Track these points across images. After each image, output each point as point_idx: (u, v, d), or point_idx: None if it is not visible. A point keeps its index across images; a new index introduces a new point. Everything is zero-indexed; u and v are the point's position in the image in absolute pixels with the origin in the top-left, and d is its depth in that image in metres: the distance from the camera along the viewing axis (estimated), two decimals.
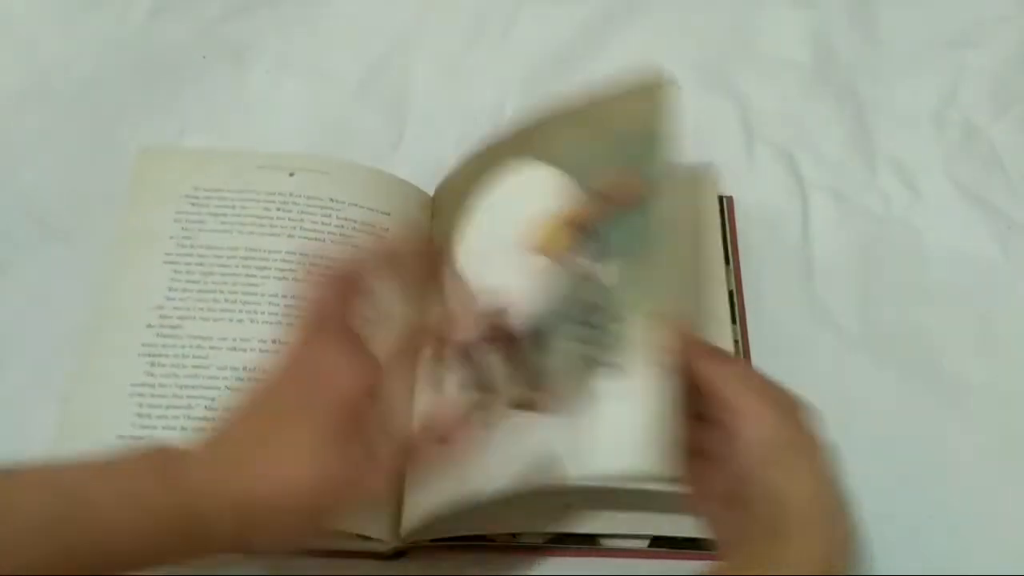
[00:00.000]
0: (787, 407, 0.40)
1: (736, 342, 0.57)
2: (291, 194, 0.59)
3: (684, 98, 0.70)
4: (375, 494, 0.43)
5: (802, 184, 0.66)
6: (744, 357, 0.57)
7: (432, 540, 0.50)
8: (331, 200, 0.59)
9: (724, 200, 0.63)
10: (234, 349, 0.54)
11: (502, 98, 0.71)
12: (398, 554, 0.51)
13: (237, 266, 0.56)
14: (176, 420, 0.52)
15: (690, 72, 0.72)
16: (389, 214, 0.60)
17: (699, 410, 0.41)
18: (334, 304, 0.41)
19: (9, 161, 0.67)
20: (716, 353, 0.43)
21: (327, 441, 0.37)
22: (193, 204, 0.58)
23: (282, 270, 0.56)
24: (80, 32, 0.75)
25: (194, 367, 0.53)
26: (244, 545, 0.38)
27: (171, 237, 0.57)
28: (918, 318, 0.59)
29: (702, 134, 0.68)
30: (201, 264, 0.56)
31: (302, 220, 0.58)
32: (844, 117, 0.69)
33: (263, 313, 0.55)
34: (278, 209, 0.59)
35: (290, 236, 0.58)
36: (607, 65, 0.72)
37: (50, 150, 0.68)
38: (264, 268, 0.56)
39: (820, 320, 0.60)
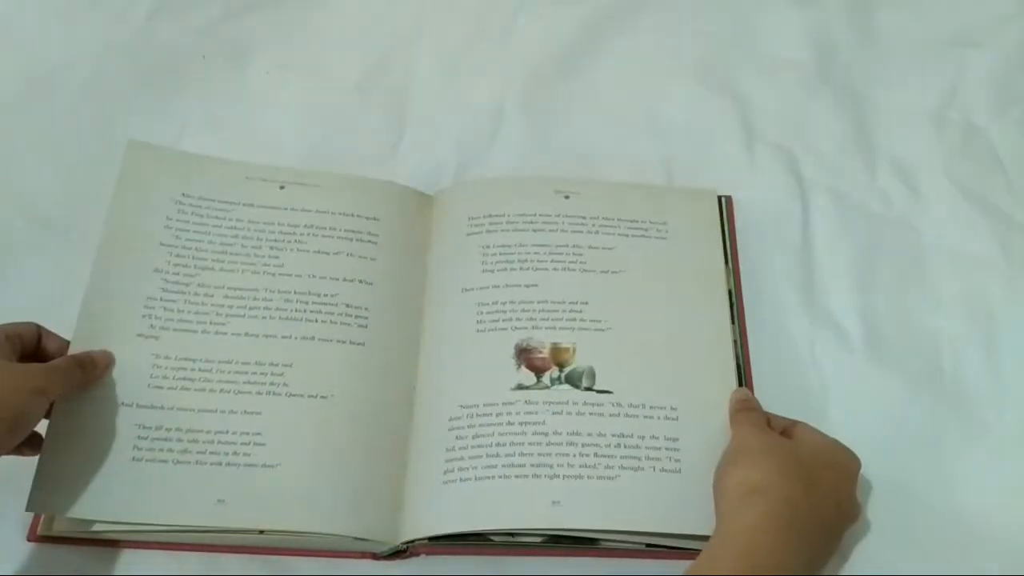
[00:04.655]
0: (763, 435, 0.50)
1: (735, 342, 0.57)
2: (280, 207, 0.60)
3: (684, 98, 0.71)
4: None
5: (802, 184, 0.66)
6: (744, 357, 0.57)
7: (431, 540, 0.50)
8: (319, 212, 0.60)
9: (724, 200, 0.63)
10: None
11: (502, 98, 0.71)
12: (397, 554, 0.51)
13: (224, 273, 0.57)
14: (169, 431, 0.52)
15: (690, 72, 0.72)
16: (378, 220, 0.60)
17: None
18: None
19: (9, 161, 0.68)
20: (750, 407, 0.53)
21: None
22: (180, 211, 0.59)
23: (268, 280, 0.57)
24: (80, 32, 0.75)
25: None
26: None
27: (161, 243, 0.58)
28: (918, 318, 0.59)
29: (702, 134, 0.69)
30: (188, 271, 0.57)
31: (291, 232, 0.59)
32: (844, 117, 0.69)
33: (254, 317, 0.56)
34: (266, 222, 0.59)
35: (274, 248, 0.58)
36: (607, 65, 0.73)
37: (50, 150, 0.68)
38: (253, 274, 0.57)
39: (820, 320, 0.60)
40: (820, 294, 0.61)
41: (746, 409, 0.53)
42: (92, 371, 0.52)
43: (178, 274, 0.57)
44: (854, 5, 0.75)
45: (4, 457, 0.54)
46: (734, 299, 0.59)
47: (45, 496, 0.50)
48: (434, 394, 0.55)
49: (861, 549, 0.51)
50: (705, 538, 0.46)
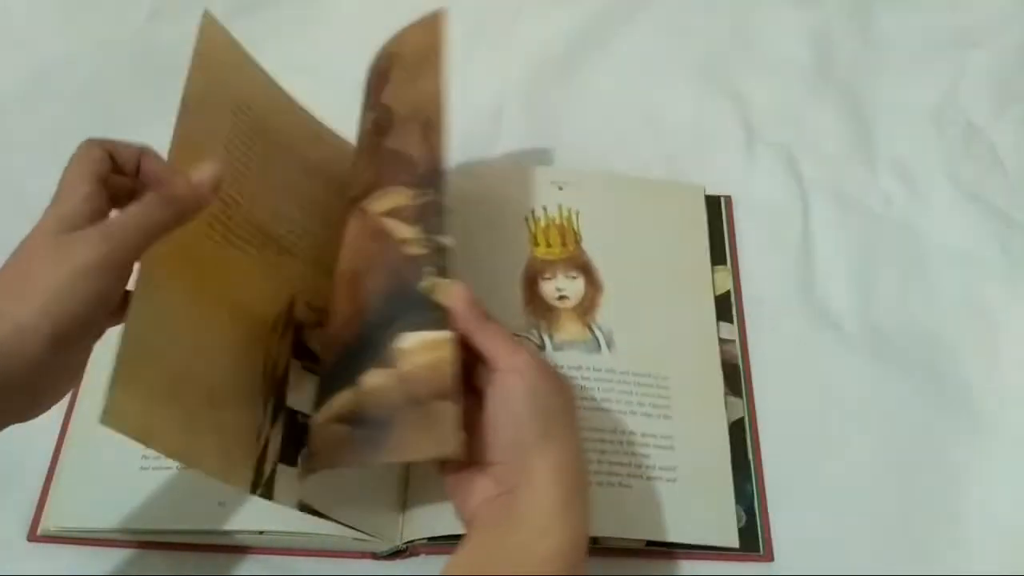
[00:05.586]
0: (546, 369, 0.41)
1: (734, 342, 0.57)
2: None
3: (684, 98, 0.71)
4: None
5: (802, 184, 0.66)
6: (743, 357, 0.57)
7: (431, 540, 0.50)
8: None
9: (723, 200, 0.63)
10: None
11: (502, 98, 0.71)
12: (397, 554, 0.51)
13: None
14: None
15: (690, 72, 0.72)
16: None
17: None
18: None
19: (9, 161, 0.68)
20: (485, 316, 0.43)
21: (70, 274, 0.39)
22: None
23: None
24: (80, 32, 0.75)
25: None
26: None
27: None
28: (918, 318, 0.59)
29: (702, 134, 0.69)
30: None
31: None
32: (844, 117, 0.69)
33: None
34: None
35: None
36: (607, 65, 0.73)
37: (50, 150, 0.68)
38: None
39: (820, 320, 0.60)
40: (820, 294, 0.61)
41: (485, 318, 0.43)
42: (183, 203, 0.42)
43: None
44: (854, 5, 0.75)
45: (3, 457, 0.54)
46: (733, 298, 0.59)
47: (59, 511, 0.51)
48: None
49: (861, 549, 0.51)
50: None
